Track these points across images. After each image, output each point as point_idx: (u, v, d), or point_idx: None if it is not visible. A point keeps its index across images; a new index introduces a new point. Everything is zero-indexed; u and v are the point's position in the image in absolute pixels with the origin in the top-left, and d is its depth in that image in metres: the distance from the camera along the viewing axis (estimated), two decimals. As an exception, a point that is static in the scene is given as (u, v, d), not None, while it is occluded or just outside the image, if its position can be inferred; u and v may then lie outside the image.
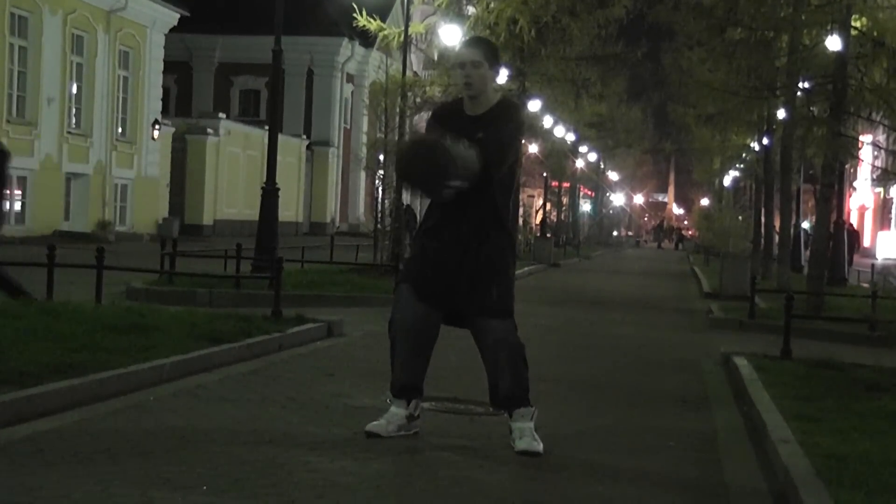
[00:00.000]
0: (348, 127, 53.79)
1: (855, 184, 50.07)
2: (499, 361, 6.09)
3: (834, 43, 17.14)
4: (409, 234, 19.92)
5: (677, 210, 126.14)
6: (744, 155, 37.43)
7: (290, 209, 46.09)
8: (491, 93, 6.17)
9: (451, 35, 29.63)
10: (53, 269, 11.63)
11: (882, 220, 51.86)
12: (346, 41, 50.67)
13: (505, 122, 6.04)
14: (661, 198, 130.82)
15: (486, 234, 6.03)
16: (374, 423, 6.14)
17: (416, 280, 6.14)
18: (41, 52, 31.46)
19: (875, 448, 6.02)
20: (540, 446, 5.95)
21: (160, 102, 39.49)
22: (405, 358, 6.18)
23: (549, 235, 42.07)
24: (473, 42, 6.53)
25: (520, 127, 6.35)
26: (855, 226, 45.45)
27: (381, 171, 22.17)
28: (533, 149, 44.06)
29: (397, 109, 22.19)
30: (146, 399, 6.91)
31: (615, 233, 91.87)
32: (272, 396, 7.31)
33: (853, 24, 16.82)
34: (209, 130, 41.74)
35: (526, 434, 5.98)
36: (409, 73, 25.06)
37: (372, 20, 27.39)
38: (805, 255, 28.00)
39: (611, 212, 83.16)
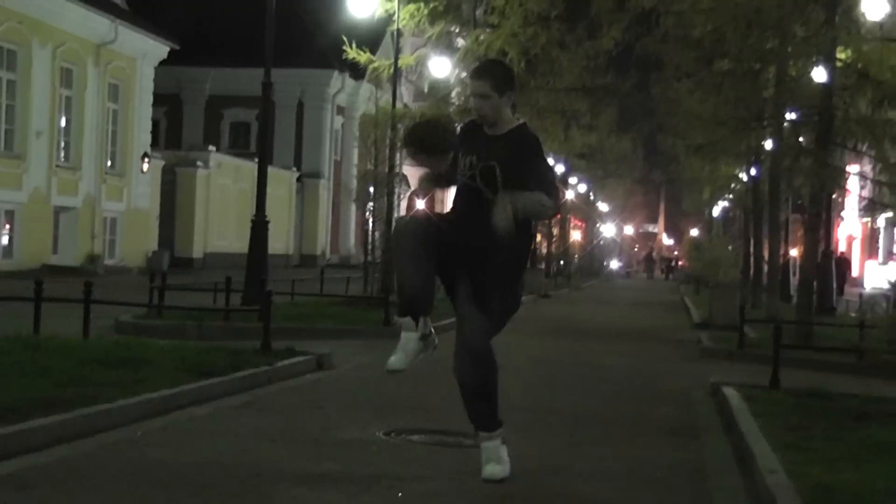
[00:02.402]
0: (339, 159, 53.85)
1: (843, 213, 50.18)
2: (465, 366, 5.92)
3: (820, 74, 17.27)
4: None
5: (668, 240, 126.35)
6: (733, 185, 37.55)
7: (280, 241, 46.05)
8: (507, 116, 6.08)
9: (441, 67, 29.80)
10: (41, 304, 11.59)
11: (870, 249, 51.98)
12: (336, 73, 50.79)
13: (530, 155, 5.95)
14: (651, 228, 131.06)
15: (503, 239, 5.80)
16: (392, 359, 5.88)
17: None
18: (30, 85, 31.46)
19: (863, 477, 6.04)
20: (499, 470, 5.95)
21: (150, 135, 39.47)
22: (408, 267, 5.89)
23: (540, 266, 42.06)
24: (479, 72, 6.20)
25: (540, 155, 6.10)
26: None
27: (372, 203, 22.18)
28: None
29: (387, 141, 22.23)
30: (134, 434, 6.89)
31: (617, 263, 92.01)
32: (261, 430, 7.30)
33: (838, 55, 16.94)
34: (199, 163, 41.75)
35: (491, 458, 5.98)
36: (399, 104, 25.15)
37: (362, 52, 27.49)
38: (794, 284, 28.05)
39: (601, 242, 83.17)
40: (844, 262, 39.87)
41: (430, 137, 6.02)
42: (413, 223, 6.05)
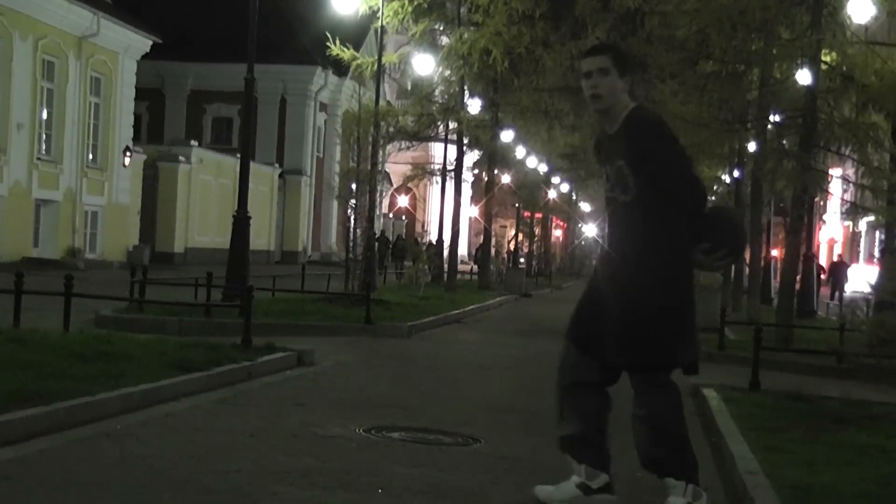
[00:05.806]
0: (321, 156, 53.81)
1: (825, 217, 50.43)
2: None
3: (804, 77, 17.30)
4: (381, 262, 19.65)
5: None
6: (715, 187, 37.68)
7: (261, 238, 46.00)
8: (622, 105, 5.33)
9: (425, 65, 29.80)
10: (21, 296, 11.54)
11: (851, 253, 52.25)
12: (319, 70, 50.75)
13: (649, 141, 5.23)
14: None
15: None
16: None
17: None
18: (11, 77, 31.30)
19: (841, 480, 6.05)
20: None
21: (132, 129, 39.36)
22: None
23: (521, 266, 42.06)
24: (599, 48, 5.61)
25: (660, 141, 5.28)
26: (826, 259, 45.73)
27: (354, 201, 22.15)
28: (506, 179, 44.22)
29: (370, 139, 22.21)
30: (114, 428, 6.85)
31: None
32: (241, 425, 7.28)
33: (823, 58, 16.98)
34: (181, 158, 41.65)
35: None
36: (382, 102, 25.16)
37: (345, 49, 27.51)
38: (775, 286, 28.17)
39: (583, 243, 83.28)
40: (843, 266, 40.02)
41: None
42: None
